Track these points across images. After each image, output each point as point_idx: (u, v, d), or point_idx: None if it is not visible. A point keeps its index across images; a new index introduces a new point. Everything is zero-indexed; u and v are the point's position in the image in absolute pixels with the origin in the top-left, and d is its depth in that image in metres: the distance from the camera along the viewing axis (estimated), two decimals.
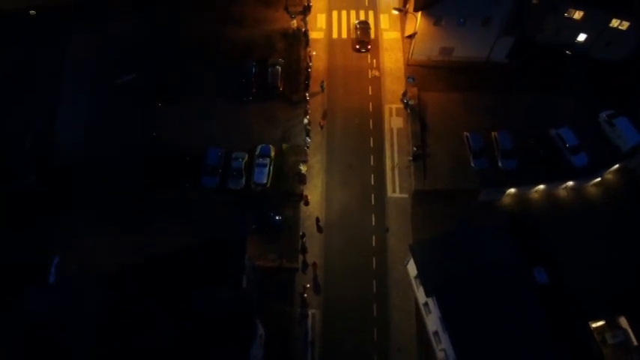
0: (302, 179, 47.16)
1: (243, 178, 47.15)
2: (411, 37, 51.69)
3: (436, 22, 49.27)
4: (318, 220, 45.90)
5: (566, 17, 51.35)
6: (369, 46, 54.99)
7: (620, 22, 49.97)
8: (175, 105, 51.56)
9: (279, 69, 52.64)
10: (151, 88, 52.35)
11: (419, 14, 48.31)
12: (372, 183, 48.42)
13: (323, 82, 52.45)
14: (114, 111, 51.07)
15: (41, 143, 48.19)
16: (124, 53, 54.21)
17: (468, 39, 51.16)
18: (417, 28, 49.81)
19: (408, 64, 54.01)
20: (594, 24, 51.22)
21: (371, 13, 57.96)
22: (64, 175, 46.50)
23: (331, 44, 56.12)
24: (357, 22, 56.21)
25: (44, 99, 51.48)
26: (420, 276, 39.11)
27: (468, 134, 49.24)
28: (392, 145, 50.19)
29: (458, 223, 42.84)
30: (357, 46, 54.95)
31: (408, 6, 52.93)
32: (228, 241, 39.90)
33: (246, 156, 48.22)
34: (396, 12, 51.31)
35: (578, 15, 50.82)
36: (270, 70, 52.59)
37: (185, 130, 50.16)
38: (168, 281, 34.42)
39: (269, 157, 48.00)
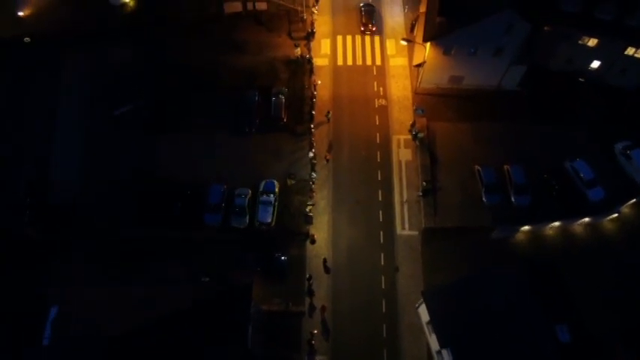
0: (308, 219, 45.37)
1: (247, 216, 45.39)
2: (419, 65, 49.93)
3: (446, 52, 47.48)
4: (325, 261, 44.14)
5: (580, 45, 49.71)
6: (374, 28, 55.96)
7: (636, 51, 48.37)
8: (175, 137, 49.80)
9: (283, 99, 50.83)
10: (149, 119, 50.59)
11: (428, 44, 46.58)
12: (381, 219, 46.67)
13: (329, 112, 50.64)
14: (111, 144, 49.33)
15: (36, 181, 46.50)
16: (121, 83, 52.38)
17: (478, 68, 49.36)
18: (425, 58, 48.07)
19: (416, 93, 52.23)
20: (609, 51, 49.53)
21: (377, 39, 56.19)
22: (60, 217, 44.86)
23: (336, 71, 54.23)
24: (361, 4, 56.89)
25: (38, 132, 49.78)
26: (434, 326, 37.30)
27: (479, 168, 47.52)
28: (400, 179, 48.41)
29: (472, 269, 41.02)
30: (362, 29, 56.06)
31: (415, 36, 51.38)
32: (233, 288, 38.23)
33: (250, 192, 46.47)
34: (404, 43, 49.49)
35: (592, 43, 49.13)
36: (273, 100, 50.80)
37: (186, 164, 48.49)
38: (171, 340, 32.62)
39: (273, 193, 46.26)
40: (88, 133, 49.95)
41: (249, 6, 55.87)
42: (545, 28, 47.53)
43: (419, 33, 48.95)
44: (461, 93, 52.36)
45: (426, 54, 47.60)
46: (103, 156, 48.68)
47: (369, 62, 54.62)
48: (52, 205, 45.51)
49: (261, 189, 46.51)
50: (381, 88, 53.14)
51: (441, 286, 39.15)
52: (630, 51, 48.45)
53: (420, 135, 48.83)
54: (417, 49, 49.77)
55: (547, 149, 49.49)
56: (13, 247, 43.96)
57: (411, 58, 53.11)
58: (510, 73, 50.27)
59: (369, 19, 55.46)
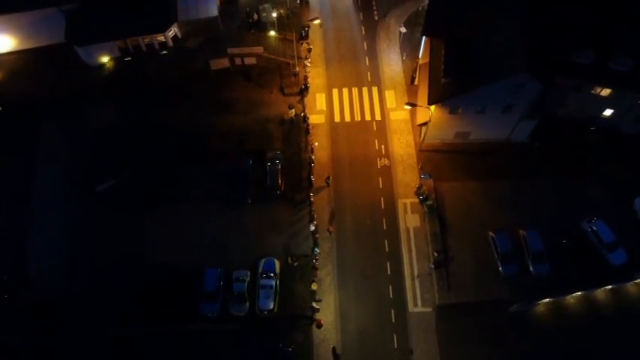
0: (314, 310, 41.73)
1: (247, 303, 41.80)
2: (423, 124, 46.68)
3: (452, 112, 44.33)
4: (334, 349, 40.78)
5: (592, 94, 46.82)
6: None
7: None
8: (164, 214, 46.01)
9: (279, 166, 47.31)
10: (135, 195, 46.88)
11: (433, 106, 43.38)
12: (391, 296, 43.31)
13: (329, 177, 47.29)
14: (94, 226, 45.48)
15: (14, 275, 42.68)
16: (103, 154, 48.74)
17: (486, 124, 46.26)
18: (430, 118, 44.87)
19: (420, 150, 49.05)
20: (622, 100, 46.68)
21: (375, 90, 52.89)
22: (44, 316, 41.15)
23: (334, 129, 50.81)
24: None
25: (13, 216, 45.83)
26: None
27: (493, 235, 44.37)
28: (409, 249, 45.13)
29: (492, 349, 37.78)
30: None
31: (417, 85, 48.24)
32: None
33: (249, 275, 42.91)
34: (408, 107, 46.23)
35: (605, 92, 46.26)
36: (268, 167, 47.26)
37: (177, 244, 44.69)
38: None
39: (274, 273, 42.75)
40: (68, 216, 46.08)
41: (238, 61, 52.30)
42: (558, 80, 44.55)
43: (421, 95, 45.65)
44: (468, 148, 49.16)
45: (431, 115, 44.41)
46: (86, 242, 44.79)
47: (368, 117, 51.34)
48: (32, 304, 41.72)
49: (260, 270, 43.00)
50: (383, 146, 49.83)
51: None
52: None
53: (429, 202, 45.62)
54: (421, 108, 46.48)
55: (562, 206, 46.37)
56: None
57: (414, 117, 49.83)
58: (520, 127, 47.30)
59: None
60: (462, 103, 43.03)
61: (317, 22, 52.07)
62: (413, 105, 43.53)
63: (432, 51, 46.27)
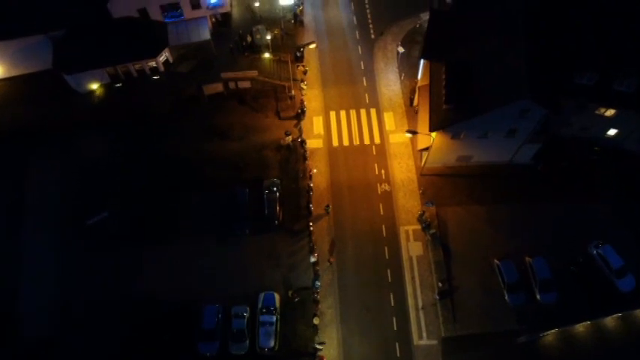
0: (315, 350, 40.24)
1: (247, 341, 40.30)
2: (424, 150, 45.37)
3: (454, 137, 43.07)
4: None
5: (596, 114, 45.69)
6: None
7: None
8: (158, 249, 44.40)
9: (277, 194, 45.93)
10: (127, 228, 45.30)
11: (434, 133, 42.11)
12: (395, 328, 41.97)
13: (328, 205, 45.91)
14: (85, 263, 43.86)
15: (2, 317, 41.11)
16: (93, 185, 47.16)
17: (489, 148, 45.03)
18: (431, 144, 43.58)
19: (421, 174, 47.79)
20: (627, 120, 45.56)
21: (373, 112, 51.57)
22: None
23: (332, 154, 49.44)
24: None
25: (2, 254, 44.31)
26: None
27: (498, 263, 43.13)
28: (413, 278, 43.82)
29: None
30: None
31: (416, 108, 46.95)
32: None
33: (248, 310, 41.44)
34: (408, 135, 44.92)
35: (609, 113, 45.17)
36: (266, 196, 45.90)
37: (172, 280, 43.19)
38: None
39: (274, 308, 41.28)
40: (57, 254, 44.34)
41: (232, 85, 50.78)
42: (562, 103, 43.36)
43: (421, 120, 44.34)
44: (470, 171, 47.91)
45: (432, 140, 43.13)
46: (76, 280, 43.16)
47: (367, 141, 49.99)
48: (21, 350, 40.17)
49: (260, 305, 41.52)
50: (383, 171, 48.49)
51: None
52: None
53: (432, 231, 44.34)
54: (422, 134, 45.14)
55: (568, 230, 45.15)
56: None
57: (414, 141, 48.43)
58: (524, 150, 46.11)
59: None
60: (464, 129, 41.79)
61: (312, 46, 50.62)
62: (414, 132, 42.11)
63: (432, 74, 44.93)
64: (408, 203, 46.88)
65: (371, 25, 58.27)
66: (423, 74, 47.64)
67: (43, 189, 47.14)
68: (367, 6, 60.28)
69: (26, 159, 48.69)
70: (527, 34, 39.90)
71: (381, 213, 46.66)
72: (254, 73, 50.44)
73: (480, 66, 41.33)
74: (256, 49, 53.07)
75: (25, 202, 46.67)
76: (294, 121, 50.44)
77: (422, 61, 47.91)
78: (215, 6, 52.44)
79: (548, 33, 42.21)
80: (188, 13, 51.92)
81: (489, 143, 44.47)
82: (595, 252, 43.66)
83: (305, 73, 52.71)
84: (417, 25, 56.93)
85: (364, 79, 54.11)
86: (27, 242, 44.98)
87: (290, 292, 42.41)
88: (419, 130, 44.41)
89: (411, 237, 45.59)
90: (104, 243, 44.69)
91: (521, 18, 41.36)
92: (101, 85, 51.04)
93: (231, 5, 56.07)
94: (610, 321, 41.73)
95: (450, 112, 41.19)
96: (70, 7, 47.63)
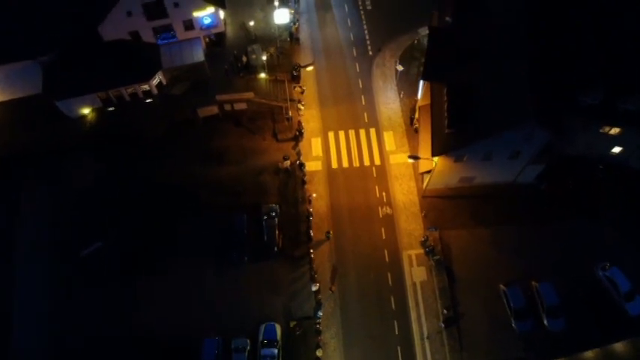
0: None
1: None
2: (426, 172, 44.33)
3: (457, 160, 42.04)
4: None
5: (601, 133, 44.80)
6: None
7: None
8: (155, 280, 43.07)
9: (276, 220, 44.74)
10: (121, 259, 43.99)
11: (436, 157, 41.07)
12: (400, 358, 40.93)
13: (329, 232, 44.78)
14: (80, 296, 42.47)
15: None
16: (86, 213, 45.77)
17: (492, 169, 43.94)
18: (433, 167, 42.54)
19: (423, 196, 46.72)
20: (632, 138, 44.73)
21: (372, 132, 50.49)
22: None
23: (331, 176, 48.29)
24: None
25: None
26: None
27: (504, 289, 42.08)
28: (417, 305, 42.72)
29: None
30: None
31: (418, 127, 45.90)
32: None
33: (249, 343, 40.23)
34: (411, 160, 43.81)
35: (614, 131, 44.29)
36: (265, 222, 44.71)
37: (169, 312, 41.85)
38: None
39: (276, 341, 40.02)
40: (51, 287, 43.04)
41: (227, 107, 49.59)
42: (566, 123, 42.44)
43: (423, 143, 43.26)
44: (473, 192, 46.83)
45: (435, 165, 42.08)
46: (71, 315, 41.79)
47: (367, 162, 48.90)
48: None
49: (261, 337, 40.23)
50: (384, 194, 47.39)
51: None
52: None
53: (436, 257, 43.28)
54: (424, 158, 44.08)
55: (574, 252, 44.14)
56: None
57: (416, 164, 47.26)
58: (527, 170, 45.15)
59: None
60: (466, 152, 40.77)
61: (310, 68, 49.46)
62: (416, 158, 41.04)
63: (433, 94, 43.97)
64: (410, 226, 45.79)
65: (368, 42, 57.21)
66: (424, 93, 46.63)
67: (35, 218, 45.73)
68: (364, 22, 59.31)
69: (18, 184, 47.31)
70: (530, 53, 38.96)
71: (383, 237, 45.51)
72: (250, 95, 49.26)
73: (482, 87, 40.33)
74: (252, 69, 51.86)
75: (16, 232, 45.30)
76: (292, 143, 49.29)
77: (422, 81, 46.98)
78: (209, 26, 51.28)
79: (551, 51, 41.31)
80: (181, 34, 50.74)
81: (492, 165, 43.40)
82: (602, 274, 42.77)
83: (302, 92, 51.58)
84: (415, 41, 55.87)
85: (363, 98, 53.02)
86: (18, 280, 43.36)
87: (292, 324, 41.22)
88: (421, 154, 43.30)
89: (415, 262, 44.47)
90: (99, 274, 43.31)
91: (523, 35, 40.49)
92: (93, 110, 49.75)
93: (225, 25, 54.93)
94: (620, 347, 40.90)
95: (452, 135, 40.18)
96: (59, 31, 46.38)
